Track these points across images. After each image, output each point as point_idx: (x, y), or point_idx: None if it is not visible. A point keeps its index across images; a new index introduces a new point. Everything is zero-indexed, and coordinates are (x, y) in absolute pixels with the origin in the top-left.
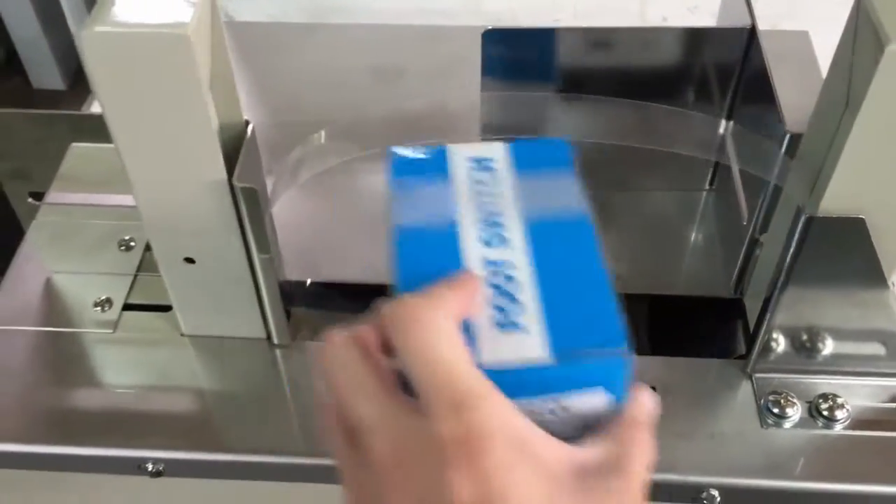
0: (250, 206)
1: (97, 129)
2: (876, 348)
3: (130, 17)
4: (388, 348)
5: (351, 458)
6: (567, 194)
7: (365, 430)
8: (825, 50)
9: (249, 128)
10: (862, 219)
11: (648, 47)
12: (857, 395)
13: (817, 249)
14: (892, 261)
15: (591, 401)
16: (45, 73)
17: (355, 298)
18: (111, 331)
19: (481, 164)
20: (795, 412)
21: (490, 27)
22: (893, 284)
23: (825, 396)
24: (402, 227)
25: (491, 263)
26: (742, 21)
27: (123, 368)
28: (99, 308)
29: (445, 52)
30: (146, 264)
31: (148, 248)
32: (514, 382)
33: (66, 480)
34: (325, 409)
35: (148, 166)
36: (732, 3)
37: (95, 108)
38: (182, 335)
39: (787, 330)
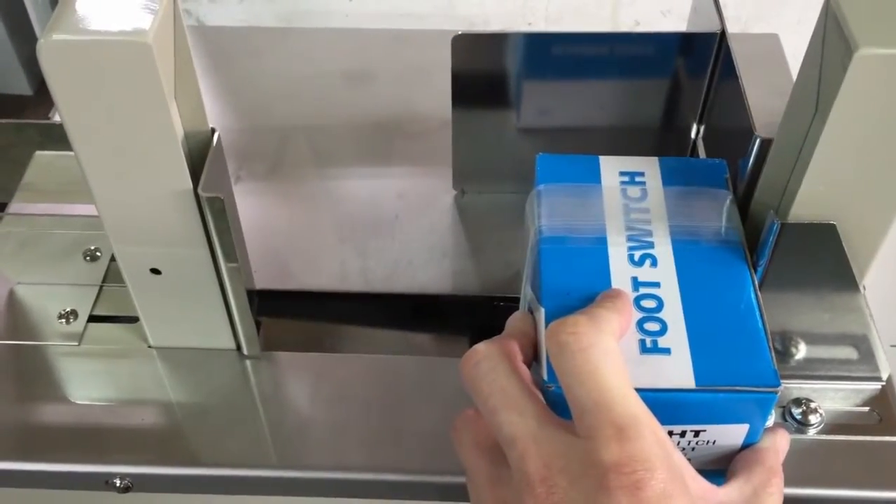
0: (216, 216)
1: (62, 137)
2: (849, 352)
3: (89, 25)
4: (530, 361)
5: (490, 473)
6: (720, 215)
7: (512, 445)
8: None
9: (215, 136)
10: (833, 224)
11: (619, 52)
12: (830, 399)
13: (789, 255)
14: (864, 265)
15: (730, 434)
16: (11, 79)
17: (327, 307)
18: (76, 343)
19: (633, 178)
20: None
21: (460, 31)
22: (865, 289)
23: (798, 401)
24: (548, 237)
25: (639, 284)
26: (712, 25)
27: (89, 382)
28: (63, 320)
29: (417, 57)
30: (112, 275)
31: (114, 258)
32: (659, 407)
33: (32, 497)
34: (464, 421)
35: (110, 177)
36: (702, 7)
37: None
38: (149, 347)
39: None
